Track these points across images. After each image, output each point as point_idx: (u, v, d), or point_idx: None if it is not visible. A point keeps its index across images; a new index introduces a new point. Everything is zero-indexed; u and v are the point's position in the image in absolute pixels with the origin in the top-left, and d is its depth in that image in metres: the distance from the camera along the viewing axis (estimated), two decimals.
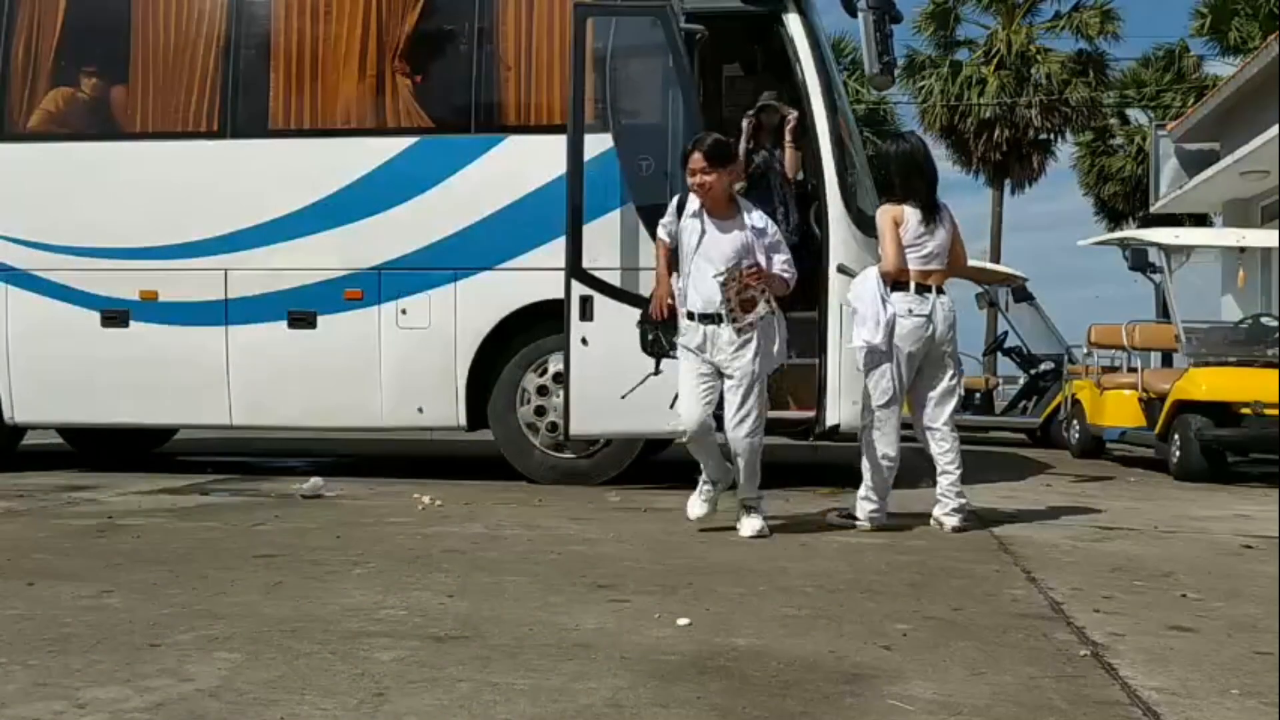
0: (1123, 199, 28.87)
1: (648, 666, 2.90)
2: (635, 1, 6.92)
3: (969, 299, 14.25)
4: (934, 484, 5.61)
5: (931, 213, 5.50)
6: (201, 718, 2.48)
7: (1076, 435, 10.92)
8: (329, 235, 7.20)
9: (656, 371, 5.80)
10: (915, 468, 8.66)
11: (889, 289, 5.42)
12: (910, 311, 5.41)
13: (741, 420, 5.09)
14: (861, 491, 5.48)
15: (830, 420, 6.85)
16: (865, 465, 5.49)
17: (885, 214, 5.54)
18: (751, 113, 7.29)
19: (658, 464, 7.73)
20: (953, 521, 5.45)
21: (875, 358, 5.40)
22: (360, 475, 7.55)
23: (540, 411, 7.17)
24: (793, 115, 7.12)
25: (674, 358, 5.33)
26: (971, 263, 14.40)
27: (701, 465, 5.28)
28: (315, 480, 6.61)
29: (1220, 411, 8.41)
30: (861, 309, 5.43)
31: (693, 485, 5.34)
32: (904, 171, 5.55)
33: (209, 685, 2.70)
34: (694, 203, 5.12)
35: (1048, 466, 9.38)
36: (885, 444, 5.44)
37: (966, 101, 27.30)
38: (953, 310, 5.57)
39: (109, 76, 7.70)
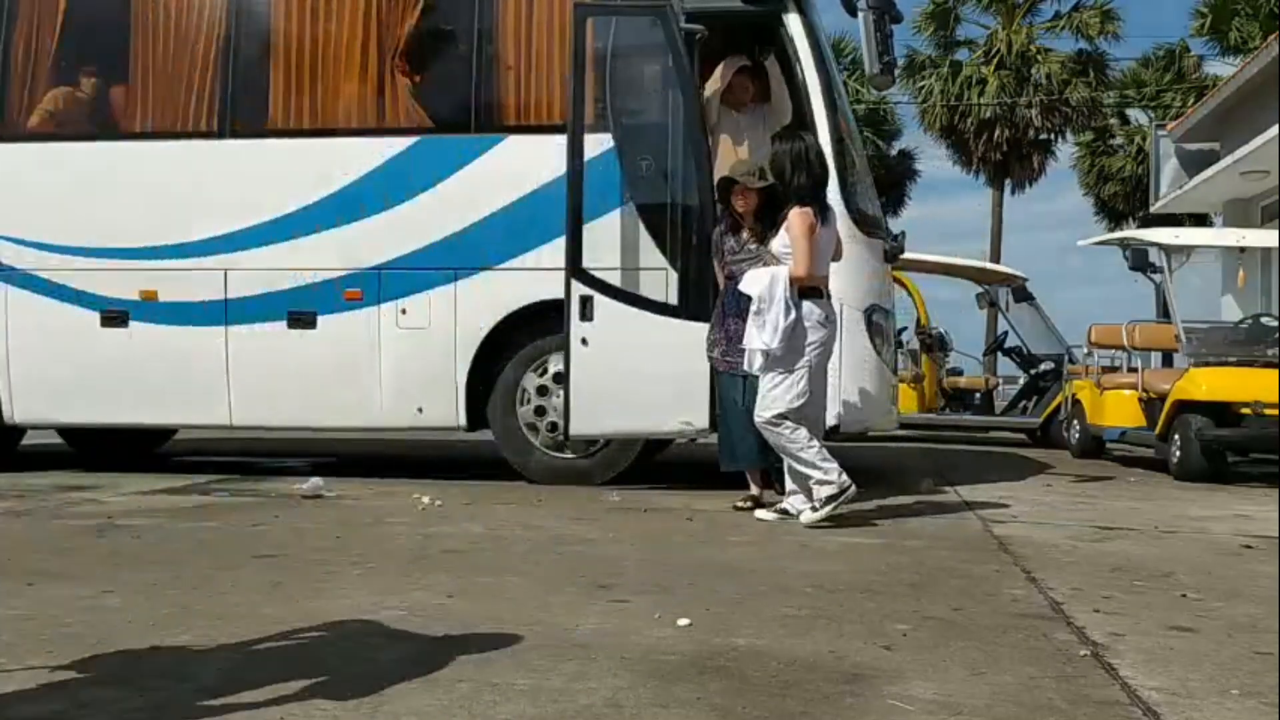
0: (1123, 199, 28.88)
1: (648, 666, 2.90)
2: (635, 1, 6.93)
3: (969, 299, 14.30)
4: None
5: (823, 213, 5.54)
6: (202, 718, 2.48)
7: (1076, 435, 10.91)
8: (329, 235, 7.19)
9: None
10: (913, 468, 8.67)
11: (798, 295, 5.42)
12: (827, 318, 5.50)
13: None
14: (817, 476, 5.36)
15: (830, 421, 6.84)
16: (804, 458, 5.38)
17: (804, 218, 5.47)
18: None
19: (658, 464, 7.73)
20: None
21: (776, 361, 5.38)
22: (360, 475, 7.54)
23: (540, 411, 7.16)
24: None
25: None
26: (969, 262, 14.52)
27: None
28: (315, 480, 6.60)
29: (1220, 411, 8.40)
30: (767, 312, 5.39)
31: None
32: (794, 168, 5.54)
33: (209, 685, 2.70)
34: None
35: (1048, 466, 9.38)
36: (807, 433, 5.42)
37: (966, 101, 27.32)
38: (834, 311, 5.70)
39: (109, 76, 7.70)
